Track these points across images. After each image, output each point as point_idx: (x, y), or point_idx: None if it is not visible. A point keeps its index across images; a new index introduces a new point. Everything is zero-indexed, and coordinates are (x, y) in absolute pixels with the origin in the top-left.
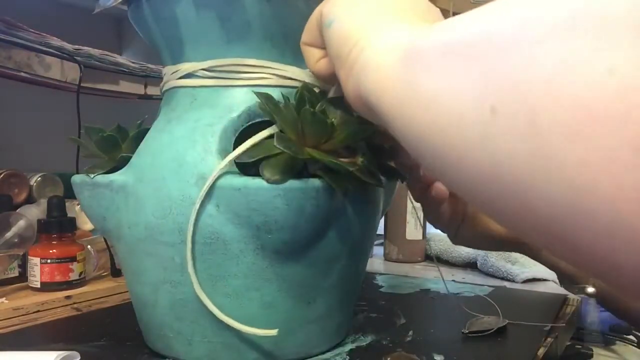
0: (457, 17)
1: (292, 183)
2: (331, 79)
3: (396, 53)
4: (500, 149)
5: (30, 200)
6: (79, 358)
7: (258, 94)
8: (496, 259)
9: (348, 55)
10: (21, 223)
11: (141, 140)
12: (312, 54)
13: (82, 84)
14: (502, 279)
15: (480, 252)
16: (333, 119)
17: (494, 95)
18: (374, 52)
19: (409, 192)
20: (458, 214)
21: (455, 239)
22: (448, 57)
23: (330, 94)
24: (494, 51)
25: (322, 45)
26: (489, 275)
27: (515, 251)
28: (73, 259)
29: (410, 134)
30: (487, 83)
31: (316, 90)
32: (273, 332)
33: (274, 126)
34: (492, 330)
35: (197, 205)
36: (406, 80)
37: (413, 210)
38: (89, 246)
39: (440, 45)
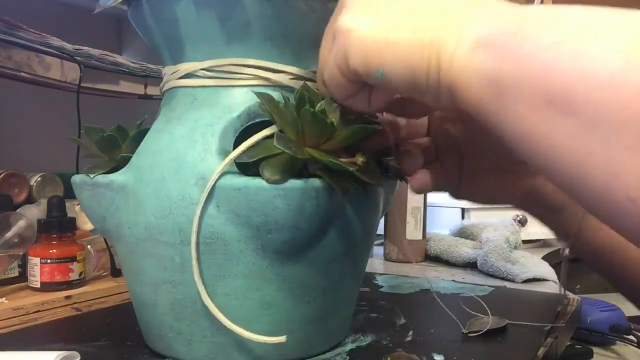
0: (543, 19)
1: (292, 183)
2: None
3: (483, 81)
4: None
5: (30, 200)
6: (79, 358)
7: (258, 94)
8: (496, 259)
9: (426, 84)
10: (21, 223)
11: (141, 140)
12: (360, 102)
13: (82, 84)
14: (502, 279)
15: (480, 253)
16: (333, 119)
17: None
18: (454, 77)
19: (409, 192)
20: (454, 175)
21: (456, 196)
22: (557, 108)
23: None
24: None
25: (356, 88)
26: (489, 275)
27: (507, 203)
28: (73, 259)
29: (518, 153)
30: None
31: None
32: (281, 339)
33: (273, 126)
34: (491, 330)
35: (200, 206)
36: (508, 119)
37: (413, 210)
38: (89, 246)
39: (542, 89)
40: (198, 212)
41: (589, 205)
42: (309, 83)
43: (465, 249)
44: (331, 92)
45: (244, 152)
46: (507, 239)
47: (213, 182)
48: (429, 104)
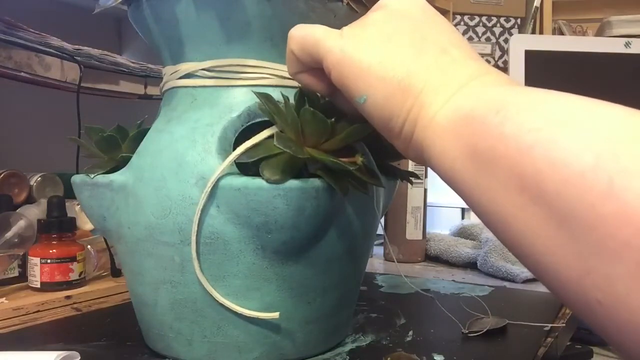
0: (528, 105)
1: (292, 183)
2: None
3: (461, 149)
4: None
5: (30, 200)
6: (79, 358)
7: (258, 94)
8: (496, 259)
9: (399, 131)
10: (21, 223)
11: (141, 140)
12: (294, 65)
13: (82, 84)
14: (502, 279)
15: (480, 252)
16: (333, 119)
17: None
18: (431, 133)
19: (408, 192)
20: None
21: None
22: (528, 196)
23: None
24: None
25: (309, 64)
26: (489, 275)
27: None
28: (73, 259)
29: (483, 221)
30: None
31: None
32: (275, 314)
33: (274, 126)
34: (491, 330)
35: (200, 206)
36: (480, 193)
37: (413, 210)
38: (89, 246)
39: (517, 175)
40: (198, 213)
41: (560, 297)
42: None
43: (465, 249)
44: (287, 60)
45: (244, 152)
46: None
47: (213, 183)
48: (397, 148)
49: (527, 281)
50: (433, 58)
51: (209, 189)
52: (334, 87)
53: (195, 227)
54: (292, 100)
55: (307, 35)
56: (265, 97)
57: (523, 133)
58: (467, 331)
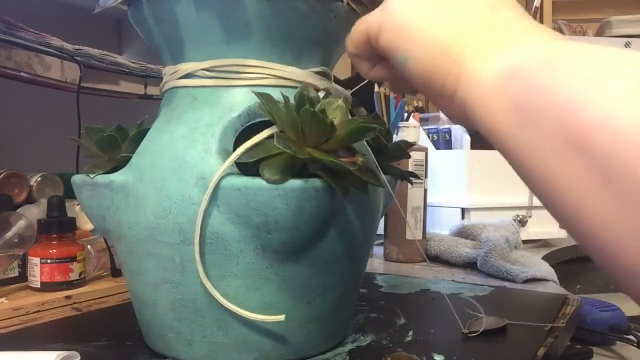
0: (577, 57)
1: (292, 183)
2: (387, 82)
3: (505, 102)
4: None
5: (30, 200)
6: (79, 358)
7: (258, 94)
8: (496, 259)
9: (442, 88)
10: (21, 223)
11: (141, 140)
12: (363, 65)
13: (82, 84)
14: (502, 279)
15: (480, 253)
16: (333, 119)
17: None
18: (476, 88)
19: (408, 192)
20: None
21: None
22: (573, 147)
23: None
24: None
25: (372, 56)
26: (489, 275)
27: None
28: (73, 259)
29: (525, 181)
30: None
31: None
32: (280, 317)
33: (274, 126)
34: (490, 330)
35: (203, 207)
36: (522, 145)
37: (413, 210)
38: (89, 246)
39: (561, 124)
40: (201, 214)
41: (595, 258)
42: (308, 82)
43: (465, 249)
44: (347, 43)
45: (244, 152)
46: (507, 239)
47: (215, 183)
48: (440, 108)
49: (527, 281)
50: (480, 16)
51: (211, 189)
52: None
53: (198, 229)
54: (292, 101)
55: (353, 31)
56: (265, 97)
57: (574, 86)
58: (467, 331)
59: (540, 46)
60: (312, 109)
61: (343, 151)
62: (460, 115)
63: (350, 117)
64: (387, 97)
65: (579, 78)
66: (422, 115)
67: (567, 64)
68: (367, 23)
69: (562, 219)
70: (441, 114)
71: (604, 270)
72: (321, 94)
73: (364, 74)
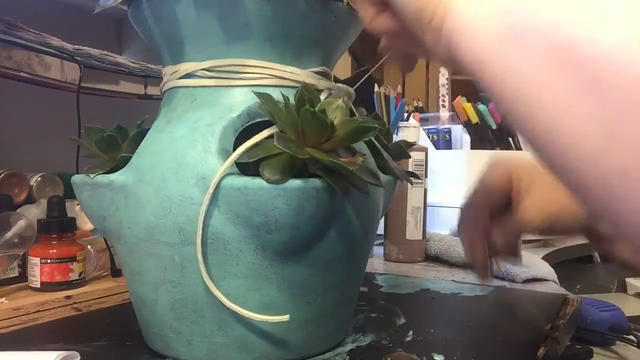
0: None
1: (292, 183)
2: (386, 37)
3: (494, 28)
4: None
5: (30, 200)
6: (79, 358)
7: (258, 94)
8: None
9: (430, 20)
10: (21, 223)
11: (141, 140)
12: (366, 9)
13: (82, 84)
14: (502, 279)
15: None
16: (333, 119)
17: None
18: (464, 18)
19: (408, 192)
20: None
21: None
22: (560, 62)
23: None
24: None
25: (376, 1)
26: None
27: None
28: (73, 259)
29: (508, 109)
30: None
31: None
32: (285, 317)
33: (274, 126)
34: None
35: (204, 208)
36: (511, 70)
37: (413, 210)
38: (89, 246)
39: (551, 44)
40: (202, 215)
41: (575, 178)
42: (308, 82)
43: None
44: (361, 17)
45: (244, 152)
46: None
47: (215, 184)
48: (427, 45)
49: (527, 281)
50: None
51: (212, 189)
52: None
53: (200, 230)
54: (292, 100)
55: None
56: (265, 97)
57: (562, 8)
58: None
59: None
60: (312, 109)
61: (343, 151)
62: (446, 52)
63: (350, 116)
64: (387, 97)
65: (567, 2)
66: (422, 115)
67: None
68: None
69: (542, 137)
70: (440, 114)
71: (573, 194)
72: (323, 95)
73: (366, 24)
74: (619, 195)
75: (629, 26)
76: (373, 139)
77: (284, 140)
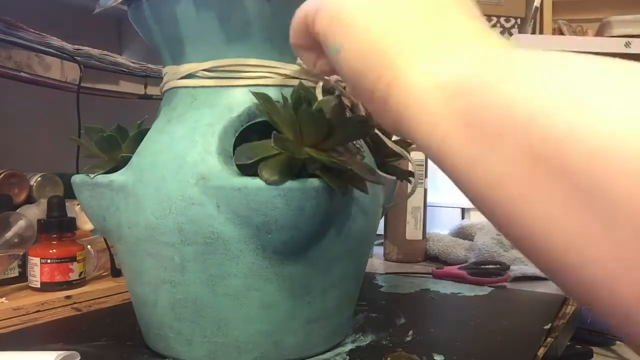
0: (532, 62)
1: (292, 183)
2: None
3: (454, 116)
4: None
5: (30, 200)
6: (79, 358)
7: (255, 94)
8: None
9: (373, 89)
10: (21, 223)
11: (141, 140)
12: (307, 58)
13: (82, 84)
14: (493, 275)
15: (471, 255)
16: (331, 118)
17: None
18: (414, 94)
19: (408, 193)
20: None
21: None
22: (544, 169)
23: (319, 93)
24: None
25: (315, 46)
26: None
27: None
28: (73, 259)
29: (478, 204)
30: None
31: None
32: None
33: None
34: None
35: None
36: (478, 169)
37: (413, 210)
38: (89, 246)
39: (526, 140)
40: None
41: (583, 300)
42: (305, 81)
43: (460, 250)
44: (290, 32)
45: (242, 153)
46: (499, 241)
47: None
48: (371, 112)
49: (517, 279)
50: (425, 17)
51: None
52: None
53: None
54: (290, 100)
55: (294, 17)
56: (263, 98)
57: (536, 98)
58: None
59: (491, 54)
60: (309, 109)
61: (342, 150)
62: (396, 125)
63: (348, 115)
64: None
65: (540, 88)
66: None
67: (524, 75)
68: (306, 7)
69: (530, 252)
70: None
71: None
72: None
73: (309, 70)
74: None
75: (632, 115)
76: (370, 138)
77: (282, 141)
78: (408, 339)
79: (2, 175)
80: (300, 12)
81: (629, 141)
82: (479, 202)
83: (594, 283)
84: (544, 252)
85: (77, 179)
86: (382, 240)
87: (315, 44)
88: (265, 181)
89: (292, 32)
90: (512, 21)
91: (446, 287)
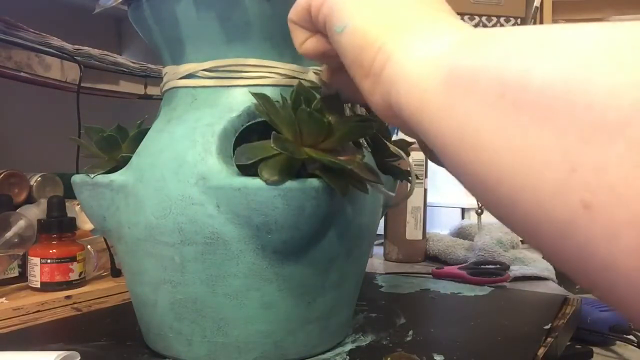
0: (507, 32)
1: (292, 183)
2: (317, 59)
3: (436, 72)
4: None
5: (30, 200)
6: (79, 358)
7: (255, 95)
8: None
9: (371, 64)
10: (21, 223)
11: (141, 140)
12: (299, 34)
13: (82, 84)
14: (492, 274)
15: (471, 255)
16: (330, 118)
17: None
18: (406, 63)
19: (407, 193)
20: None
21: None
22: (510, 100)
23: (323, 93)
24: (579, 114)
25: (310, 27)
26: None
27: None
28: (73, 259)
29: (449, 157)
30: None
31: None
32: None
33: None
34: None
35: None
36: (454, 114)
37: (413, 210)
38: (89, 246)
39: (496, 80)
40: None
41: (536, 218)
42: (304, 82)
43: (460, 250)
44: (292, 8)
45: (242, 153)
46: (499, 241)
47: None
48: (364, 92)
49: (517, 279)
50: (419, 7)
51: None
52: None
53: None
54: (289, 100)
55: (297, 1)
56: (262, 98)
57: (510, 47)
58: None
59: (467, 29)
60: (308, 109)
61: (341, 150)
62: (384, 98)
63: (346, 115)
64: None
65: (512, 42)
66: None
67: (503, 37)
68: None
69: (490, 184)
70: None
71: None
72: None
73: (297, 46)
74: (581, 239)
75: (571, 56)
76: (370, 138)
77: (281, 141)
78: (408, 339)
79: (2, 175)
80: (292, 12)
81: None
82: (452, 153)
83: (544, 185)
84: (504, 181)
85: (77, 179)
86: (382, 240)
87: (310, 25)
88: (265, 181)
89: (294, 10)
90: (512, 21)
91: (446, 287)
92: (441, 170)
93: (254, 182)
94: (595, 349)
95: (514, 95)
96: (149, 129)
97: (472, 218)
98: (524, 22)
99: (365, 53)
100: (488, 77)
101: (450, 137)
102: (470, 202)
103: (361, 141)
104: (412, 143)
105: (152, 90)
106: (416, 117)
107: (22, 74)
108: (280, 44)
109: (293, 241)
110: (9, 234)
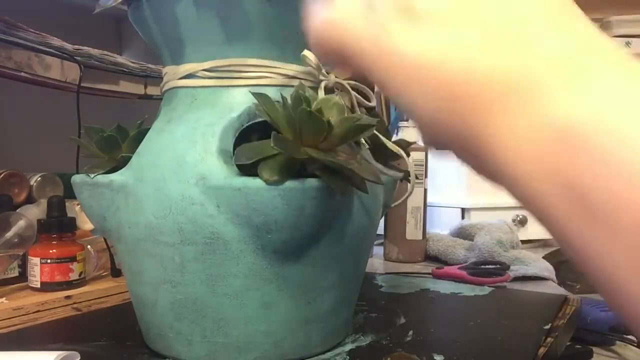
0: None
1: (292, 183)
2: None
3: (546, 162)
4: None
5: (30, 200)
6: (79, 358)
7: (255, 95)
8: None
9: (459, 133)
10: (21, 223)
11: (141, 140)
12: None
13: (82, 84)
14: (492, 274)
15: (471, 255)
16: (330, 117)
17: None
18: (501, 138)
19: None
20: None
21: None
22: None
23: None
24: None
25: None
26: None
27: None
28: (73, 259)
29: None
30: None
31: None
32: None
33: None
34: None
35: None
36: (585, 234)
37: (413, 210)
38: (89, 246)
39: None
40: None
41: None
42: (305, 81)
43: (460, 250)
44: (312, 43)
45: (242, 153)
46: (499, 241)
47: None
48: (455, 153)
49: (517, 279)
50: (504, 38)
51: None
52: None
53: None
54: (289, 100)
55: (320, 37)
56: (262, 98)
57: None
58: None
59: (597, 88)
60: (308, 109)
61: (341, 150)
62: (488, 171)
63: (347, 114)
64: (387, 97)
65: None
66: None
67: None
68: (346, 41)
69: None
70: None
71: None
72: (321, 93)
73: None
74: None
75: None
76: (370, 138)
77: (281, 141)
78: (408, 339)
79: (2, 175)
80: (334, 40)
81: None
82: (584, 269)
83: None
84: None
85: (77, 179)
86: (382, 240)
87: (342, 61)
88: (265, 181)
89: (322, 52)
90: None
91: (446, 287)
92: (441, 170)
93: (254, 182)
94: (595, 349)
95: None
96: (149, 129)
97: (472, 218)
98: None
99: (448, 121)
100: (621, 206)
101: (577, 256)
102: (470, 202)
103: (362, 141)
104: (412, 143)
105: (152, 90)
106: (534, 212)
107: (22, 74)
108: (280, 43)
109: (293, 241)
110: (9, 234)
